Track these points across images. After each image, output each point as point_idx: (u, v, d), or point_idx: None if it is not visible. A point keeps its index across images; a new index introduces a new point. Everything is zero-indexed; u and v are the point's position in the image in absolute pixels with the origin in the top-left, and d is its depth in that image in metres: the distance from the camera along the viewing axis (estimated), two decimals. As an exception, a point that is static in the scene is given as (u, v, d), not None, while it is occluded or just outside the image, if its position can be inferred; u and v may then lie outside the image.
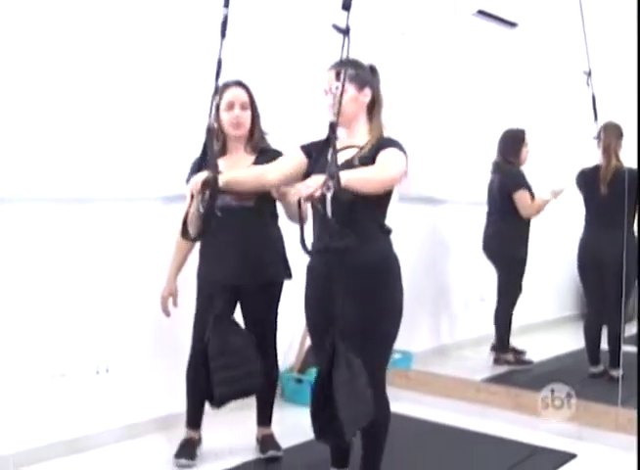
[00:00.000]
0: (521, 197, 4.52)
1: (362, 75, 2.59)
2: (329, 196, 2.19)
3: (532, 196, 4.57)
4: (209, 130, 2.77)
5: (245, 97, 3.05)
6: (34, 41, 3.02)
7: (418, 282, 4.79)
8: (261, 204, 3.03)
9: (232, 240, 2.98)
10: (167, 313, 3.21)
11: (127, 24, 3.33)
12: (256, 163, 3.00)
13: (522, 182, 4.57)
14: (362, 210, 2.48)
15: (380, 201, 2.56)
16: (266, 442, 3.25)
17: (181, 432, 3.22)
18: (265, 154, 3.03)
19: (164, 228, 3.37)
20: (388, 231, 2.62)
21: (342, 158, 2.43)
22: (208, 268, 3.08)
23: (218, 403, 2.88)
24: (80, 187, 3.22)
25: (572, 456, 3.25)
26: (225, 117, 3.02)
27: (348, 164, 2.46)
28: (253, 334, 3.05)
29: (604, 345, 4.35)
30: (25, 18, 3.00)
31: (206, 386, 2.80)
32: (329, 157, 2.27)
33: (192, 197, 2.65)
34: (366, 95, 2.59)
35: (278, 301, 3.17)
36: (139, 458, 3.14)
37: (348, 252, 2.42)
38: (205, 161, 2.69)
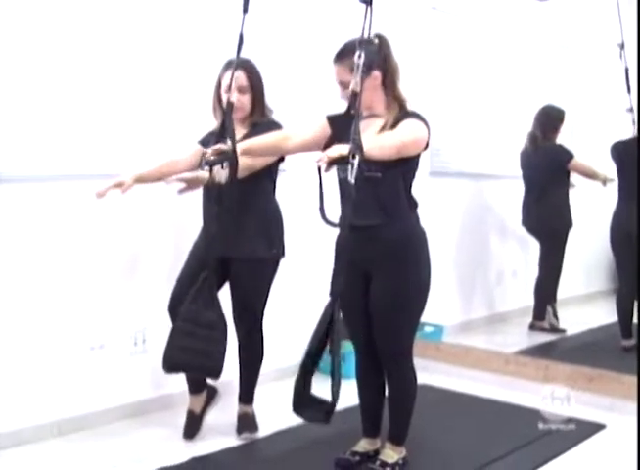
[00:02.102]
0: (577, 163, 4.69)
1: (367, 59, 2.46)
2: (356, 163, 2.20)
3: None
4: (228, 104, 2.80)
5: (243, 81, 2.96)
6: (28, 23, 2.98)
7: (450, 256, 4.82)
8: (254, 177, 2.98)
9: (220, 211, 2.89)
10: (100, 194, 2.87)
11: (123, 6, 3.27)
12: (247, 136, 2.95)
13: (569, 153, 4.69)
14: (387, 184, 2.52)
15: (404, 174, 2.58)
16: (243, 421, 3.17)
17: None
18: (258, 127, 2.98)
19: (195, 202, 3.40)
20: (415, 204, 2.65)
21: (365, 128, 2.42)
22: (202, 235, 3.08)
23: (168, 368, 2.84)
24: (109, 164, 3.26)
25: (601, 427, 3.28)
26: (224, 98, 2.93)
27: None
28: (238, 309, 3.08)
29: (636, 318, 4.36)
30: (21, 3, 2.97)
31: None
32: (352, 126, 2.30)
33: (210, 168, 2.71)
34: (376, 77, 2.57)
35: (265, 278, 3.09)
36: (174, 428, 3.22)
37: (375, 228, 2.45)
38: (224, 132, 2.73)
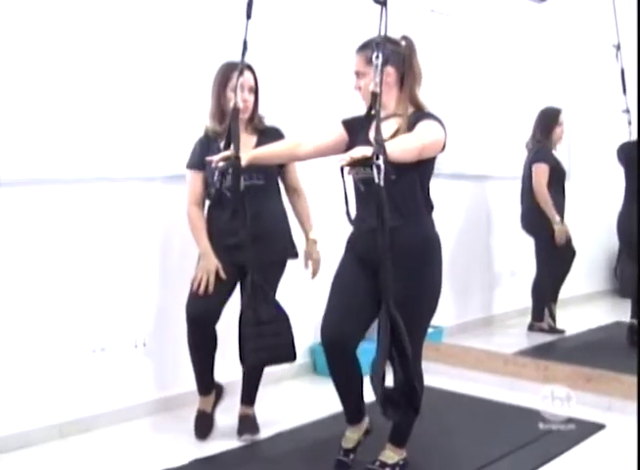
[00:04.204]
0: (537, 169, 4.62)
1: (383, 55, 2.47)
2: (382, 164, 2.21)
3: (557, 172, 4.65)
4: (235, 110, 2.82)
5: (252, 81, 3.03)
6: (33, 22, 2.99)
7: (449, 257, 4.81)
8: (270, 181, 3.03)
9: (242, 217, 2.86)
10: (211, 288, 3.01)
11: (130, 6, 3.29)
12: (259, 142, 3.00)
13: (542, 156, 4.64)
14: (403, 186, 2.50)
15: (420, 175, 2.57)
16: (244, 423, 3.18)
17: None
18: (266, 133, 3.05)
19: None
20: (432, 207, 2.64)
21: (384, 129, 2.39)
22: (217, 242, 3.04)
23: (249, 369, 3.05)
24: (112, 167, 3.28)
25: (601, 427, 3.28)
26: (238, 98, 2.91)
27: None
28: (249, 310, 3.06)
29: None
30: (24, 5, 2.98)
31: (240, 352, 2.87)
32: (373, 126, 2.30)
33: (222, 175, 2.72)
34: (389, 74, 2.55)
35: (278, 279, 3.14)
36: (175, 430, 3.24)
37: (390, 229, 2.45)
38: (230, 139, 2.74)
